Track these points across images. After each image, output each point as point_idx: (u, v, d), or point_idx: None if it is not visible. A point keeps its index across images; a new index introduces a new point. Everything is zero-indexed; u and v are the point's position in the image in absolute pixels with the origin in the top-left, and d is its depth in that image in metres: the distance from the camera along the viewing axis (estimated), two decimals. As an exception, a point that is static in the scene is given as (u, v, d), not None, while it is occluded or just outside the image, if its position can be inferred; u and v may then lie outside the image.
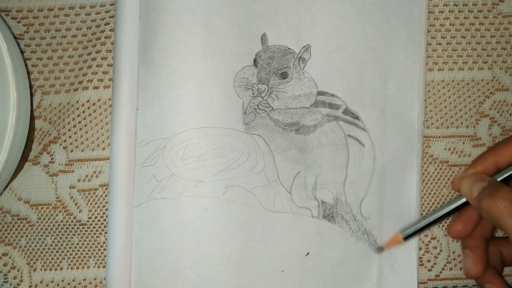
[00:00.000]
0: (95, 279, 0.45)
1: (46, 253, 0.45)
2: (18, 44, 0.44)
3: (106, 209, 0.45)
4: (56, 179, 0.45)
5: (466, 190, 0.40)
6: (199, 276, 0.43)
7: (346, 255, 0.44)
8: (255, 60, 0.44)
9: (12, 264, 0.45)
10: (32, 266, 0.45)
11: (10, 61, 0.39)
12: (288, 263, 0.44)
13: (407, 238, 0.43)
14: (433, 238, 0.46)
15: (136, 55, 0.44)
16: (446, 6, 0.46)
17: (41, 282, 0.45)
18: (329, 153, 0.44)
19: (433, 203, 0.46)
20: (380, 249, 0.44)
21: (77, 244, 0.45)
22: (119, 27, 0.44)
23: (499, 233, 0.46)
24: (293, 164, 0.44)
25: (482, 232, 0.42)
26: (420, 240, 0.45)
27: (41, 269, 0.45)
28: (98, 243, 0.45)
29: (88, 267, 0.45)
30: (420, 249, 0.46)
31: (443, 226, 0.46)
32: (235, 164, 0.44)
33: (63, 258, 0.45)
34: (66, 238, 0.45)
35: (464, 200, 0.41)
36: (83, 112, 0.45)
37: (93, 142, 0.45)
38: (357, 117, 0.45)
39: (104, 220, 0.45)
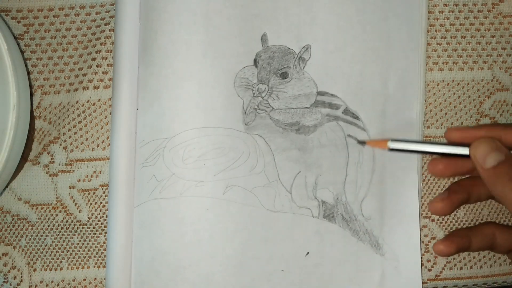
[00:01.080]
0: (95, 279, 0.45)
1: (46, 253, 0.45)
2: (18, 44, 0.44)
3: (106, 209, 0.45)
4: (56, 179, 0.45)
5: (479, 156, 0.37)
6: (199, 276, 0.43)
7: (347, 255, 0.44)
8: (255, 60, 0.44)
9: (12, 264, 0.45)
10: (32, 266, 0.45)
11: (10, 61, 0.39)
12: (288, 263, 0.44)
13: (393, 150, 0.40)
14: (433, 238, 0.46)
15: (136, 55, 0.44)
16: (446, 6, 0.46)
17: (41, 282, 0.45)
18: (329, 153, 0.44)
19: (433, 203, 0.46)
20: (362, 143, 0.44)
21: (77, 244, 0.45)
22: (119, 27, 0.44)
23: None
24: (294, 164, 0.44)
25: (471, 193, 0.42)
26: (420, 240, 0.45)
27: (41, 269, 0.45)
28: (98, 243, 0.45)
29: (88, 267, 0.45)
30: (420, 249, 0.46)
31: (443, 226, 0.46)
32: (235, 164, 0.44)
33: (63, 258, 0.45)
34: (66, 238, 0.45)
35: (467, 153, 0.38)
36: (83, 112, 0.45)
37: (93, 142, 0.45)
38: (357, 117, 0.45)
39: (104, 220, 0.45)
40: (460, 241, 0.41)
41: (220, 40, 0.44)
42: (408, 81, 0.45)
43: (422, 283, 0.46)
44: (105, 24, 0.45)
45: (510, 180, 0.36)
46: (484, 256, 0.46)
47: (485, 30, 0.47)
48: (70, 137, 0.45)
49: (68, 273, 0.45)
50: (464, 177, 0.43)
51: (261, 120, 0.44)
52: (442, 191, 0.43)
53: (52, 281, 0.45)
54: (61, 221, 0.45)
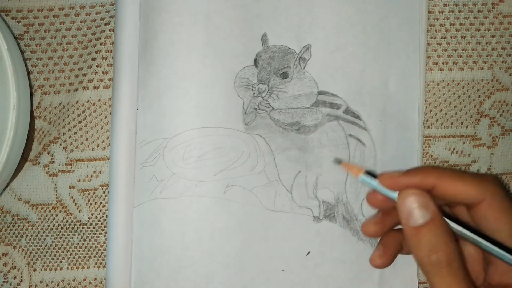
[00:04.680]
0: (95, 279, 0.45)
1: (46, 253, 0.45)
2: (18, 44, 0.44)
3: (106, 209, 0.45)
4: (56, 179, 0.45)
5: (404, 209, 0.33)
6: (199, 275, 0.43)
7: (347, 254, 0.44)
8: (255, 60, 0.44)
9: (12, 264, 0.45)
10: (32, 266, 0.45)
11: (10, 61, 0.39)
12: (288, 262, 0.44)
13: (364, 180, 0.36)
14: (433, 238, 0.46)
15: (136, 55, 0.44)
16: (446, 6, 0.46)
17: (41, 282, 0.45)
18: (330, 153, 0.44)
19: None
20: (338, 161, 0.42)
21: (77, 244, 0.45)
22: (119, 27, 0.44)
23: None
24: (294, 163, 0.44)
25: (400, 237, 0.39)
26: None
27: (41, 269, 0.45)
28: (98, 243, 0.45)
29: (88, 267, 0.45)
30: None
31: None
32: (235, 164, 0.44)
33: (63, 258, 0.45)
34: (66, 238, 0.45)
35: (395, 197, 0.34)
36: (83, 112, 0.45)
37: (93, 142, 0.45)
38: (358, 117, 0.45)
39: (104, 220, 0.45)
40: (393, 249, 0.39)
41: (221, 40, 0.44)
42: (408, 81, 0.45)
43: (422, 283, 0.46)
44: (105, 24, 0.45)
45: (431, 250, 0.32)
46: (484, 256, 0.46)
47: (485, 30, 0.47)
48: (70, 137, 0.45)
49: (68, 273, 0.45)
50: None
51: (262, 120, 0.44)
52: (377, 247, 0.40)
53: (52, 281, 0.45)
54: (61, 221, 0.45)
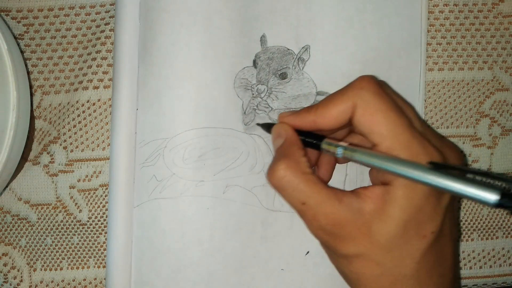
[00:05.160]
0: (95, 279, 0.45)
1: (46, 253, 0.45)
2: (18, 44, 0.44)
3: (106, 209, 0.45)
4: (56, 179, 0.45)
5: (272, 138, 0.39)
6: (199, 275, 0.43)
7: (346, 255, 0.44)
8: (254, 61, 0.44)
9: (12, 264, 0.45)
10: (32, 266, 0.45)
11: (10, 61, 0.39)
12: (288, 262, 0.44)
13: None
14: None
15: (136, 55, 0.44)
16: (446, 6, 0.46)
17: (41, 282, 0.45)
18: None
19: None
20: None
21: (77, 244, 0.45)
22: (119, 27, 0.44)
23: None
24: (293, 164, 0.44)
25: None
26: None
27: (41, 269, 0.45)
28: (98, 243, 0.45)
29: (88, 267, 0.45)
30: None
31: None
32: (235, 163, 0.44)
33: (63, 258, 0.45)
34: (66, 238, 0.45)
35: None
36: (83, 112, 0.45)
37: (93, 142, 0.45)
38: (356, 117, 0.44)
39: (104, 220, 0.45)
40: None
41: (220, 40, 0.44)
42: (408, 81, 0.45)
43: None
44: (105, 24, 0.45)
45: (270, 168, 0.36)
46: (484, 257, 0.46)
47: (485, 30, 0.47)
48: (70, 137, 0.45)
49: (68, 273, 0.45)
50: None
51: (261, 121, 0.44)
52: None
53: (52, 281, 0.45)
54: (61, 221, 0.45)
